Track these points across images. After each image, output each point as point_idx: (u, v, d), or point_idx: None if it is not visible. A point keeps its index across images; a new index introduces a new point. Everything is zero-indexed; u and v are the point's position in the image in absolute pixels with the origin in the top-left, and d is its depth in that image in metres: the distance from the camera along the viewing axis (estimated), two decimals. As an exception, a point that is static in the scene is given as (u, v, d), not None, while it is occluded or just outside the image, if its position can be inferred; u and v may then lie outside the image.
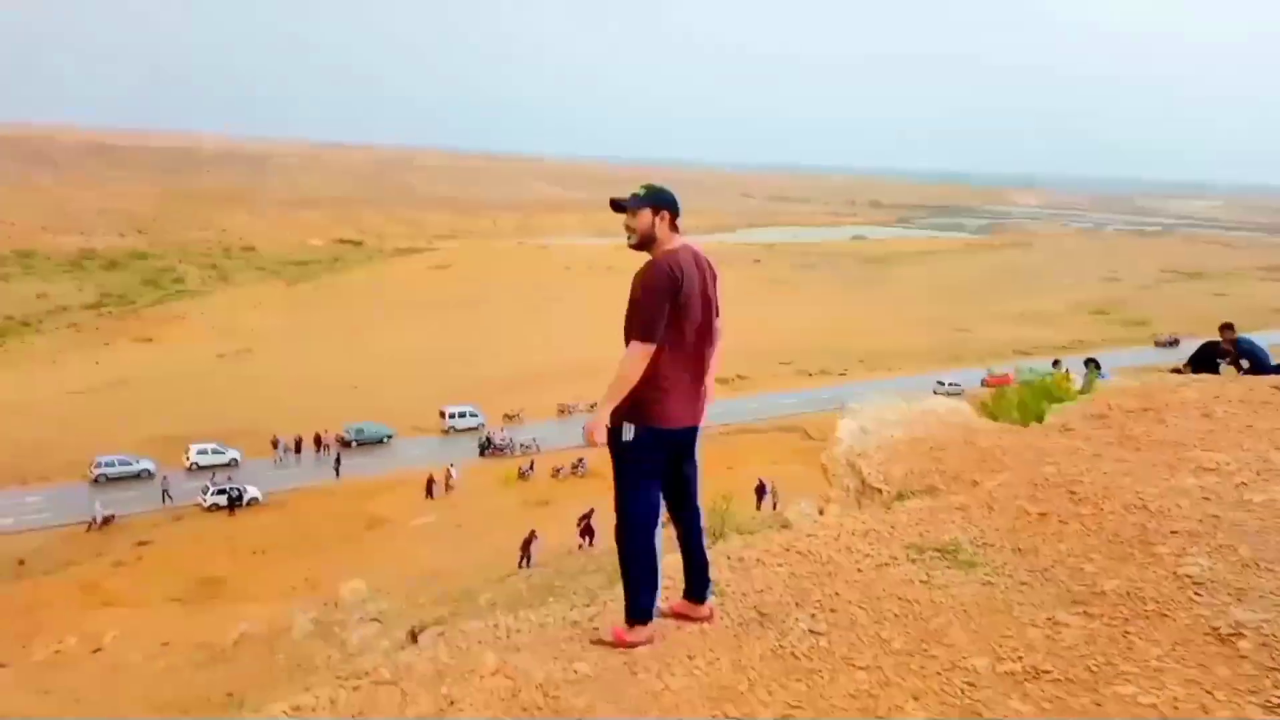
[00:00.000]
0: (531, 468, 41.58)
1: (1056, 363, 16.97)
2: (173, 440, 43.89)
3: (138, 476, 40.21)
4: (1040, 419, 7.24)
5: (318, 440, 44.10)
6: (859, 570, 3.74)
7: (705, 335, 3.47)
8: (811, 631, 3.16)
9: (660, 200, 3.46)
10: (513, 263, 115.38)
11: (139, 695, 20.48)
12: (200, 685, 20.80)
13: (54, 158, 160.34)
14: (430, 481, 38.88)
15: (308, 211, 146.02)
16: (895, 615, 3.26)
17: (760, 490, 32.84)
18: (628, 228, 3.47)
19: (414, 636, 7.01)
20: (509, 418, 50.24)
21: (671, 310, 3.29)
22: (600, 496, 31.09)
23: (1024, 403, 8.36)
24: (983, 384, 58.92)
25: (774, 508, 30.91)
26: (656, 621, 3.34)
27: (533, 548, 25.18)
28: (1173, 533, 3.88)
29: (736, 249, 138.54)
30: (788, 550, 4.05)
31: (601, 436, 3.30)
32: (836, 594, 3.49)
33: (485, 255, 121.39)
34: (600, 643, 3.29)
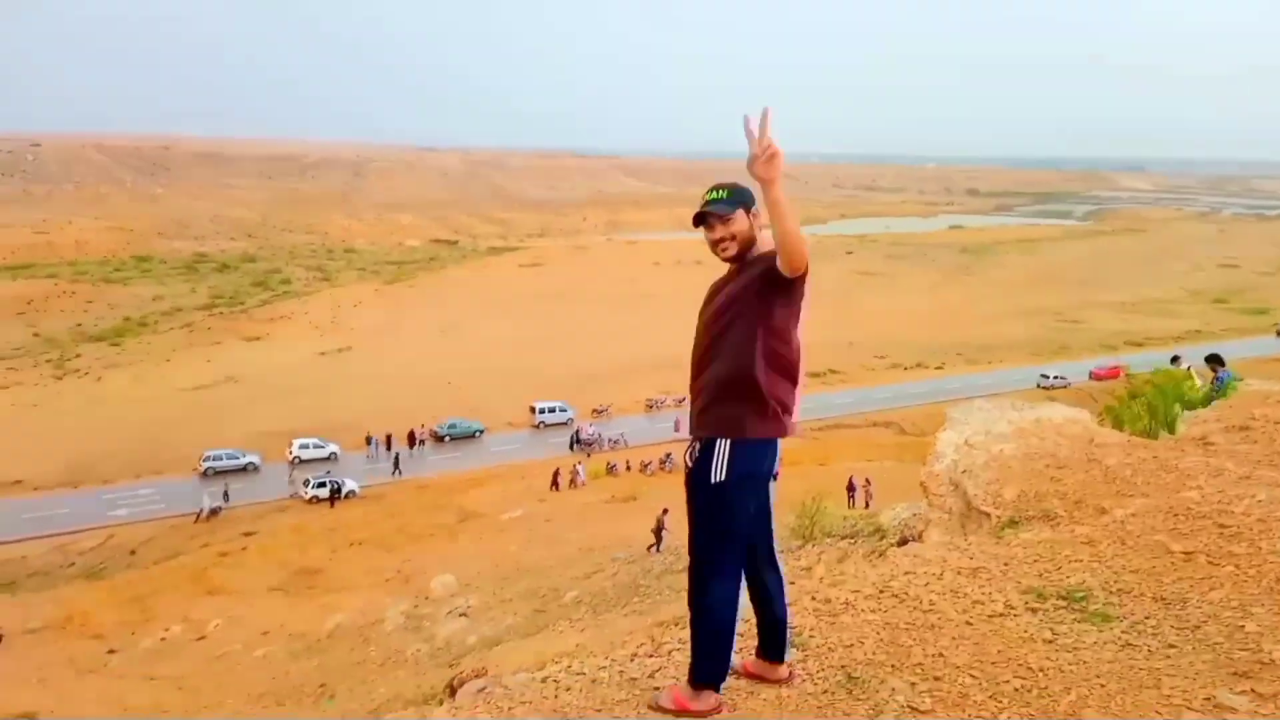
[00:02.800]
0: (619, 462, 41.46)
1: (1176, 359, 15.53)
2: (277, 435, 45.35)
3: (244, 470, 41.66)
4: (1172, 428, 6.45)
5: (411, 437, 44.88)
6: (968, 623, 3.18)
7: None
8: (911, 708, 2.63)
9: (748, 198, 2.98)
10: (601, 259, 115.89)
11: (237, 684, 21.00)
12: (295, 675, 21.22)
13: (169, 167, 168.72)
14: (556, 476, 38.82)
15: (405, 213, 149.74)
16: (1015, 690, 2.70)
17: (851, 488, 31.81)
18: (721, 240, 2.97)
19: (452, 690, 6.63)
20: (597, 412, 50.29)
21: (797, 310, 2.95)
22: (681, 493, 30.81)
23: (1154, 407, 7.50)
24: (1090, 377, 56.17)
25: (866, 505, 29.89)
26: (726, 684, 2.87)
27: (664, 531, 24.34)
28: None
29: (827, 241, 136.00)
30: (882, 592, 3.51)
31: (766, 150, 2.70)
32: (941, 655, 2.95)
33: (574, 252, 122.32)
34: (659, 709, 2.84)
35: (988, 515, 4.77)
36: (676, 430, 45.21)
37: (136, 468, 41.73)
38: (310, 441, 43.71)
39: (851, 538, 15.36)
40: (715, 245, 3.00)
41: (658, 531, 24.41)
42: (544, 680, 3.03)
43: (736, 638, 2.95)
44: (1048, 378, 55.99)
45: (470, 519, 36.85)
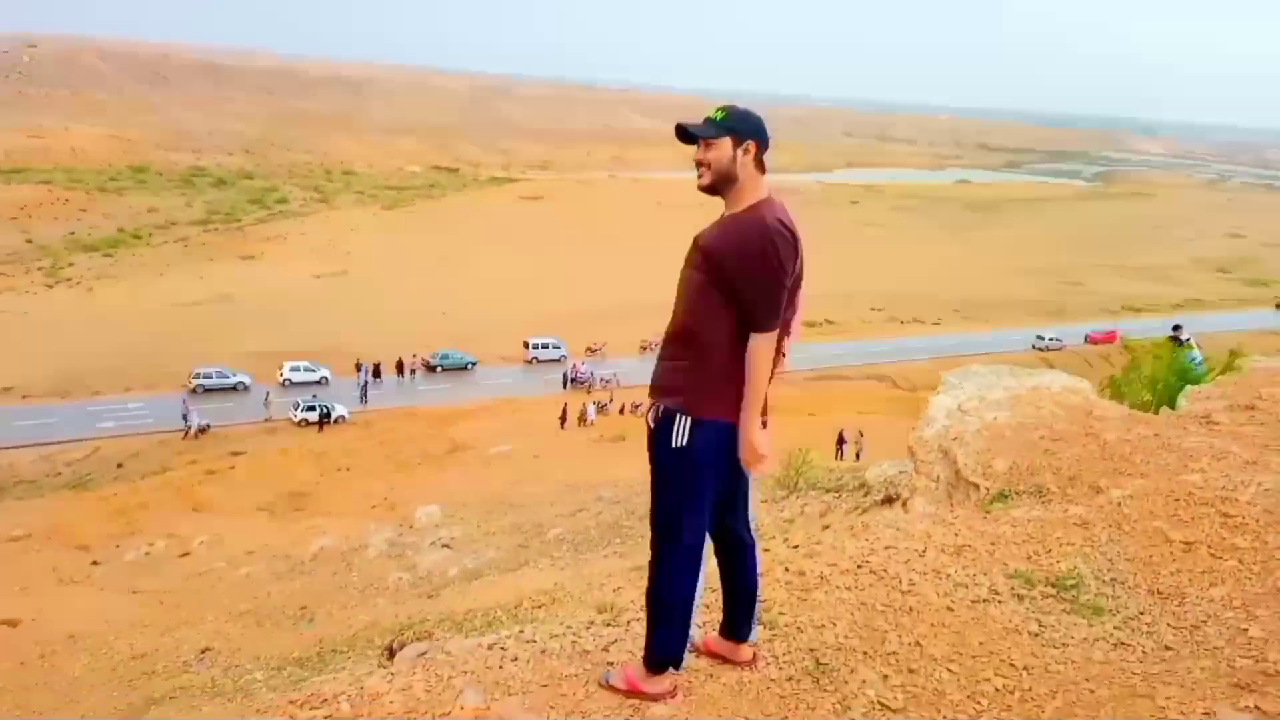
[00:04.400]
0: (610, 401, 41.37)
1: (1177, 328, 15.23)
2: (269, 356, 45.12)
3: (234, 389, 41.51)
4: (1173, 404, 6.21)
5: (399, 365, 44.68)
6: (949, 608, 2.96)
7: (791, 305, 2.75)
8: (882, 704, 2.43)
9: (744, 127, 2.68)
10: (604, 196, 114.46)
11: (218, 601, 21.05)
12: (277, 595, 21.27)
13: (168, 76, 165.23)
14: (565, 412, 38.60)
15: (406, 138, 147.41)
16: (996, 690, 2.49)
17: (841, 441, 31.83)
18: (698, 162, 2.71)
19: (391, 653, 6.46)
20: (591, 351, 50.07)
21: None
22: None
23: (1156, 380, 7.25)
24: (1086, 341, 56.03)
25: (857, 457, 29.92)
26: (685, 664, 2.66)
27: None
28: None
29: (834, 189, 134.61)
30: (860, 567, 3.29)
31: (766, 450, 2.62)
32: (918, 644, 2.74)
33: (576, 187, 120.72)
34: (609, 688, 2.64)
35: (976, 487, 4.55)
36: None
37: (126, 381, 41.57)
38: (301, 364, 43.51)
39: (836, 491, 15.29)
40: (696, 167, 2.74)
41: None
42: (490, 647, 2.82)
43: (701, 610, 2.74)
44: (1043, 339, 55.84)
45: (458, 451, 36.86)
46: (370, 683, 2.57)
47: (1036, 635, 2.79)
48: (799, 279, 2.74)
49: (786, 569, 3.32)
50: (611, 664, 2.74)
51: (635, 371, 45.20)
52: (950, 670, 2.60)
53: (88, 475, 31.65)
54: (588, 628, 3.00)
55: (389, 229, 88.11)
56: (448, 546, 22.11)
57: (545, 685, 2.60)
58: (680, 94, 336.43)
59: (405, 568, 21.34)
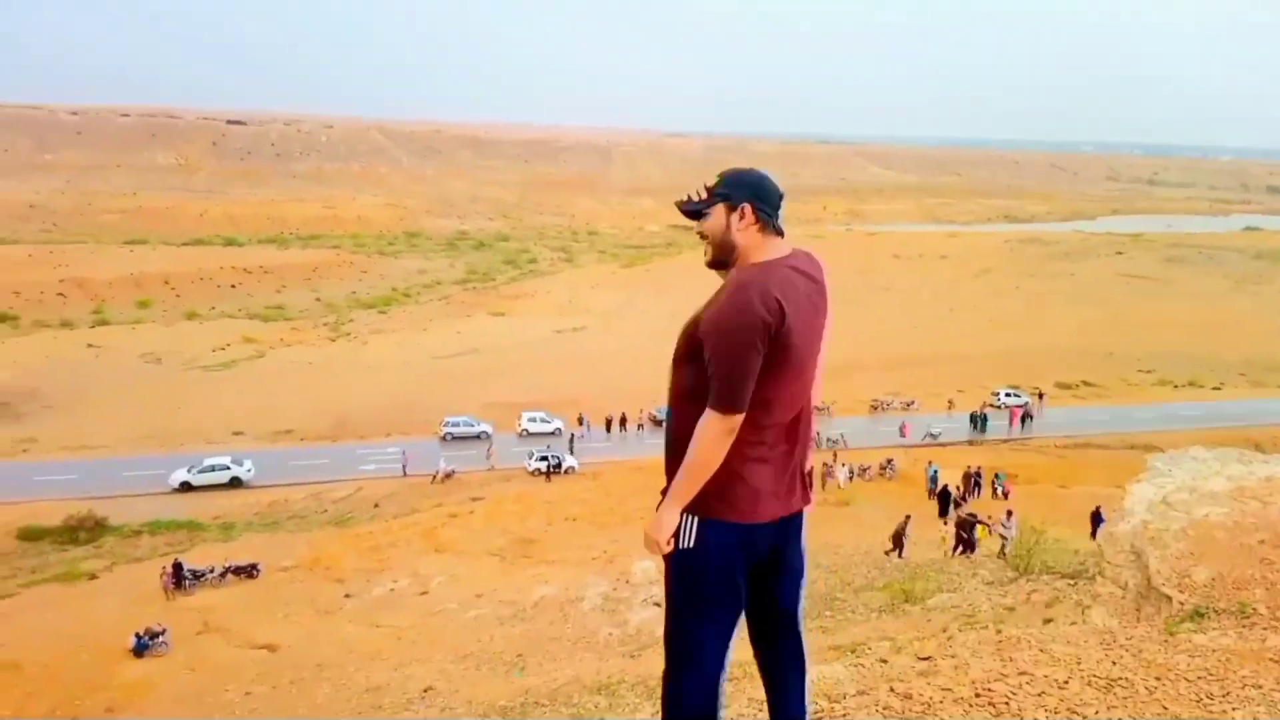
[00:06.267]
0: (834, 460, 40.09)
1: None
2: (509, 406, 48.07)
3: (478, 437, 44.49)
4: None
5: (623, 420, 46.01)
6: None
7: (808, 384, 2.47)
8: None
9: (736, 191, 2.43)
10: (840, 249, 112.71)
11: (447, 641, 22.40)
12: (498, 640, 22.31)
13: (439, 149, 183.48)
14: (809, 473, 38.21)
15: (645, 198, 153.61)
16: None
17: (1096, 518, 28.52)
18: (700, 236, 2.51)
19: None
20: (818, 410, 48.91)
21: (766, 358, 2.32)
22: (908, 503, 28.93)
23: None
24: None
25: (1112, 538, 26.93)
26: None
27: (905, 538, 23.24)
28: None
29: (1095, 239, 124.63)
30: (978, 696, 2.86)
31: (663, 536, 2.44)
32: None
33: (809, 241, 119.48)
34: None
35: (1169, 600, 3.87)
36: (903, 435, 43.18)
37: (388, 427, 45.75)
38: (538, 415, 45.90)
39: (1072, 578, 13.78)
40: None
41: (899, 537, 23.10)
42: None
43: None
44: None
45: (681, 505, 37.14)
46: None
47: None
48: (808, 347, 2.43)
49: (892, 689, 2.96)
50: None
51: (863, 432, 43.68)
52: None
53: (349, 514, 34.95)
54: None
55: (627, 286, 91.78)
56: (659, 605, 22.26)
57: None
58: (924, 145, 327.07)
59: (616, 623, 21.68)
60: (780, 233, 2.46)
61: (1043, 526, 20.19)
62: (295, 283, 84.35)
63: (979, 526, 22.76)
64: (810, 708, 2.57)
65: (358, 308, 79.24)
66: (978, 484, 35.15)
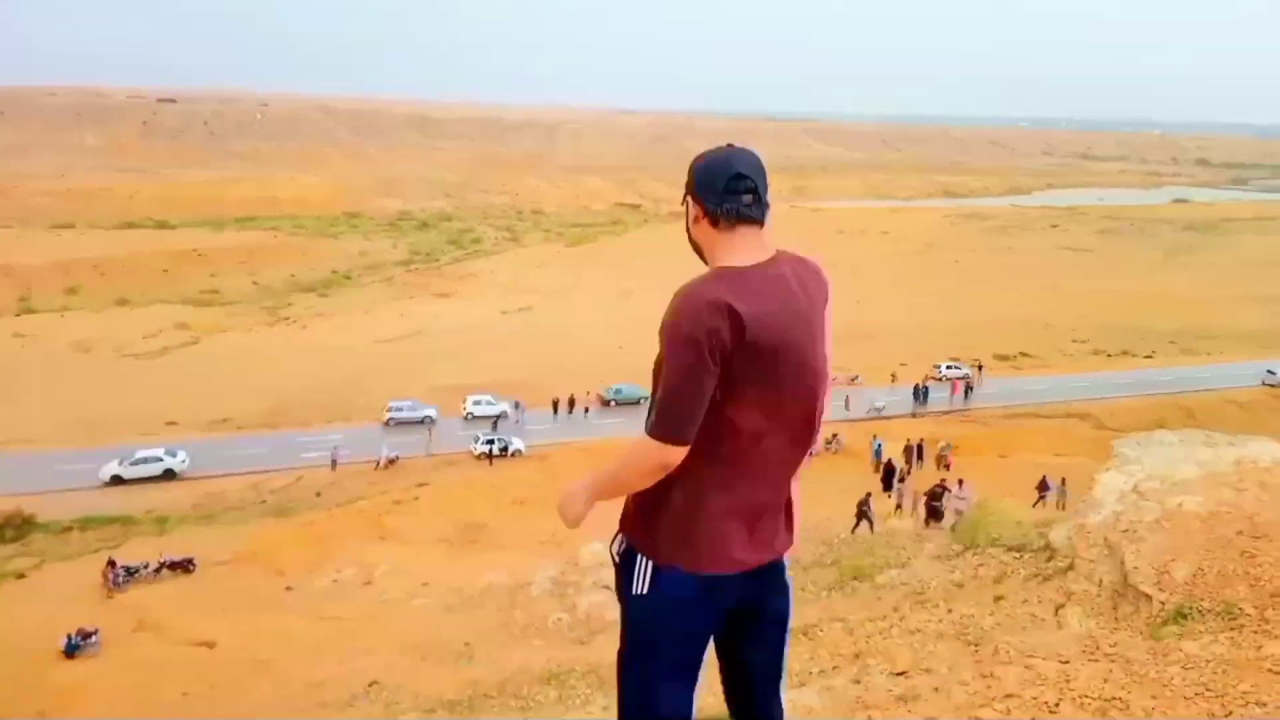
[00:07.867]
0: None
1: None
2: (454, 390, 47.23)
3: (422, 422, 43.61)
4: None
5: (571, 402, 45.51)
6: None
7: (801, 411, 2.10)
8: None
9: (692, 180, 2.13)
10: (784, 225, 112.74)
11: (393, 632, 21.91)
12: (445, 629, 21.90)
13: (382, 129, 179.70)
14: None
15: (592, 177, 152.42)
16: None
17: (1043, 488, 28.87)
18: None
19: None
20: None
21: (728, 380, 1.96)
22: (853, 477, 29.08)
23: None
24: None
25: (1061, 507, 27.27)
26: None
27: (870, 513, 22.99)
28: None
29: (1032, 213, 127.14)
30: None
31: (569, 515, 2.08)
32: None
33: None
34: None
35: (1148, 599, 3.63)
36: (846, 409, 43.40)
37: (329, 413, 44.66)
38: (484, 398, 45.18)
39: (1018, 551, 13.80)
40: None
41: (863, 514, 22.86)
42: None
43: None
44: (1274, 374, 49.53)
45: (631, 486, 36.91)
46: None
47: None
48: (806, 371, 2.08)
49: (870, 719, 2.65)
50: None
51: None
52: None
53: (289, 504, 34.05)
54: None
55: (573, 265, 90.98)
56: (608, 588, 21.99)
57: None
58: (863, 121, 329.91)
59: (565, 608, 21.39)
60: (752, 221, 2.07)
61: (985, 496, 20.44)
62: (231, 267, 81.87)
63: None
64: None
65: (297, 291, 77.28)
66: (920, 456, 35.74)
